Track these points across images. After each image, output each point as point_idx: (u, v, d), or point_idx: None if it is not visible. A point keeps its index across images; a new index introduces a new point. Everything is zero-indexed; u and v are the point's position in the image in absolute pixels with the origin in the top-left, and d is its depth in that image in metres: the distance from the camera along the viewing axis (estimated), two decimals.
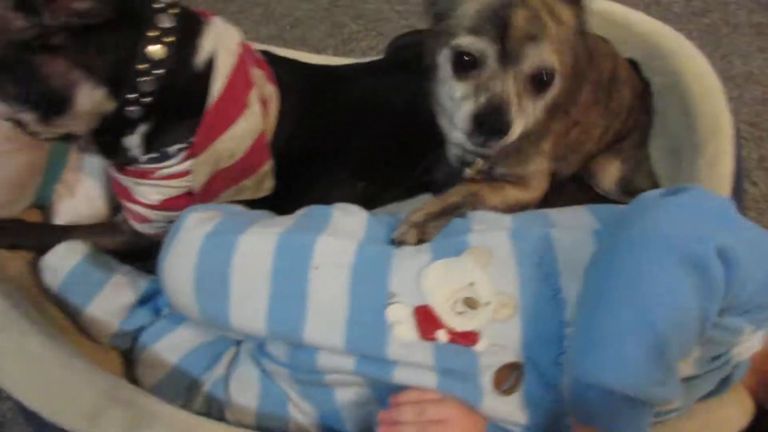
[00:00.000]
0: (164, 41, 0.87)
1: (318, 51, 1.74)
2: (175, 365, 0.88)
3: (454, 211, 0.86)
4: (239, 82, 0.93)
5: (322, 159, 1.07)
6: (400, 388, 0.73)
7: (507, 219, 0.85)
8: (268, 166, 1.00)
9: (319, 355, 0.76)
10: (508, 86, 0.75)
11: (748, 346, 0.71)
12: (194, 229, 0.79)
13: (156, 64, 0.86)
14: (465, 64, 0.77)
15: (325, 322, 0.73)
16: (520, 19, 0.74)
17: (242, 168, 0.97)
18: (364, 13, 1.83)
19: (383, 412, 0.71)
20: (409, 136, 1.09)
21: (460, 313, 0.71)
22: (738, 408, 0.75)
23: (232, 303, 0.75)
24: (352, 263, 0.75)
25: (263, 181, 1.01)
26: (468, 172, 0.96)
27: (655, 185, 1.15)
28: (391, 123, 1.08)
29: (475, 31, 0.76)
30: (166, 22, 0.87)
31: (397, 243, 0.80)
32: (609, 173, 1.15)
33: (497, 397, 0.70)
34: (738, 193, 0.91)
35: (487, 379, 0.70)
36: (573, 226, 0.80)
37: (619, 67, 1.09)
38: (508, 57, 0.75)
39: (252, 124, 0.95)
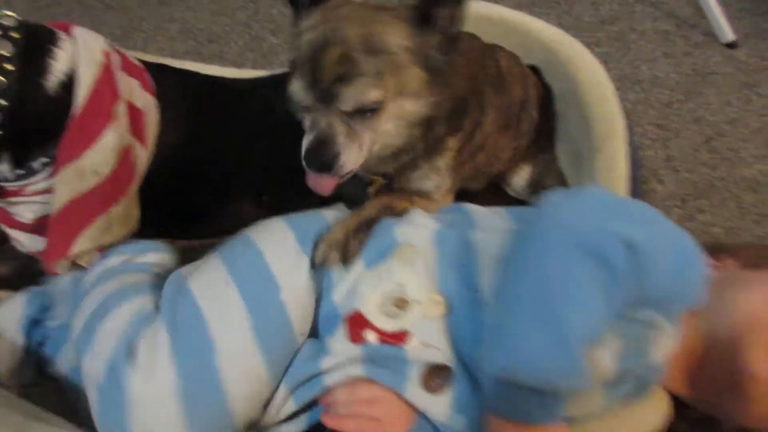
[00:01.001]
0: (4, 69, 0.83)
1: (237, 65, 1.73)
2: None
3: (372, 224, 0.86)
4: (104, 93, 0.90)
5: (220, 173, 1.05)
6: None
7: (429, 219, 0.86)
8: (134, 187, 0.96)
9: None
10: (332, 121, 0.78)
11: (663, 343, 0.73)
12: None
13: None
14: (301, 107, 0.81)
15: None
16: (328, 60, 0.76)
17: (109, 189, 0.92)
18: (284, 26, 1.82)
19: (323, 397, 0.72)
20: None
21: (390, 315, 0.72)
22: (653, 410, 0.77)
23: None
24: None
25: (131, 209, 0.96)
26: (369, 190, 0.98)
27: (563, 185, 1.18)
28: (292, 133, 1.07)
29: (296, 73, 0.79)
30: (5, 48, 0.84)
31: (319, 264, 0.79)
32: (519, 177, 1.18)
33: (425, 395, 0.70)
34: (636, 194, 0.95)
35: (415, 377, 0.71)
36: (493, 228, 0.81)
37: (530, 88, 1.11)
38: (325, 97, 0.77)
39: (119, 137, 0.91)
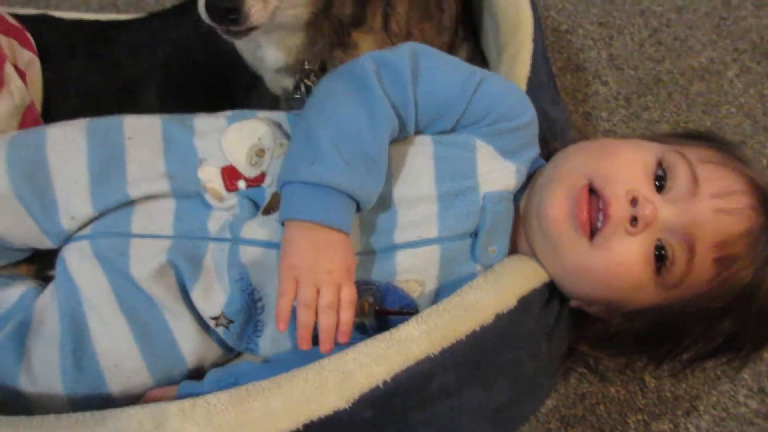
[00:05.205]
0: None
1: None
2: None
3: None
4: None
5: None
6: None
7: None
8: None
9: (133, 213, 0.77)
10: None
11: (495, 173, 0.76)
12: None
13: None
14: None
15: (147, 182, 0.77)
16: None
17: None
18: None
19: None
20: (211, 85, 1.03)
21: (253, 164, 0.80)
22: (524, 275, 0.74)
23: (56, 190, 0.75)
24: (161, 132, 0.80)
25: None
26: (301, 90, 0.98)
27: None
28: (189, 74, 1.02)
29: None
30: None
31: None
32: None
33: (261, 218, 0.77)
34: (537, 89, 0.88)
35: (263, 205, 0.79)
36: None
37: None
38: None
39: (17, 99, 0.88)
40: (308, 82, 0.96)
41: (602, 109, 1.34)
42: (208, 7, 0.76)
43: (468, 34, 1.15)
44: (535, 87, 0.87)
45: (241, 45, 0.96)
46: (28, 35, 0.95)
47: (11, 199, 0.75)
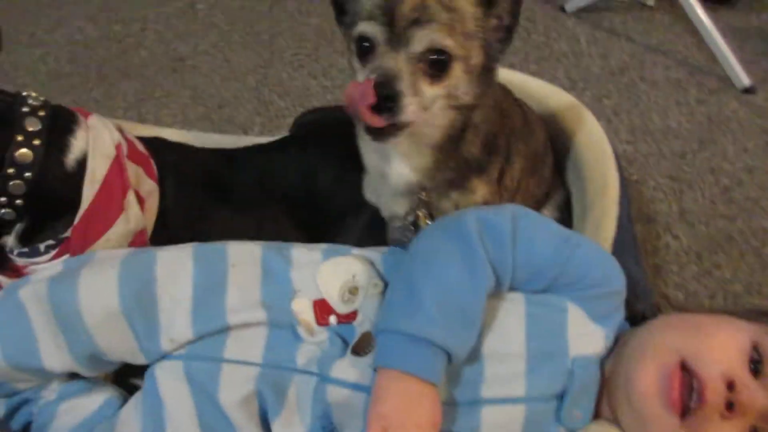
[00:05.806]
0: (32, 144, 0.88)
1: (245, 130, 1.76)
2: None
3: None
4: (114, 186, 0.94)
5: None
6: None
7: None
8: None
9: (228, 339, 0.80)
10: (399, 63, 0.80)
11: (585, 337, 0.78)
12: (105, 256, 0.87)
13: (24, 167, 0.88)
14: (364, 50, 0.84)
15: (245, 310, 0.81)
16: (406, 5, 0.80)
17: None
18: (291, 90, 1.85)
19: None
20: (304, 213, 1.08)
21: (345, 300, 0.83)
22: None
23: (161, 312, 0.80)
24: (261, 261, 0.85)
25: None
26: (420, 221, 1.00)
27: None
28: (284, 202, 1.08)
29: (369, 17, 0.83)
30: (33, 125, 0.90)
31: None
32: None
33: (351, 358, 0.78)
34: (621, 251, 0.90)
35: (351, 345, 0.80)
36: None
37: (545, 134, 1.12)
38: (397, 39, 0.80)
39: (132, 225, 0.95)
40: (420, 214, 0.98)
41: (673, 262, 1.35)
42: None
43: (562, 181, 1.18)
44: (620, 249, 0.90)
45: (370, 160, 0.99)
46: (153, 164, 1.03)
47: (118, 317, 0.80)
